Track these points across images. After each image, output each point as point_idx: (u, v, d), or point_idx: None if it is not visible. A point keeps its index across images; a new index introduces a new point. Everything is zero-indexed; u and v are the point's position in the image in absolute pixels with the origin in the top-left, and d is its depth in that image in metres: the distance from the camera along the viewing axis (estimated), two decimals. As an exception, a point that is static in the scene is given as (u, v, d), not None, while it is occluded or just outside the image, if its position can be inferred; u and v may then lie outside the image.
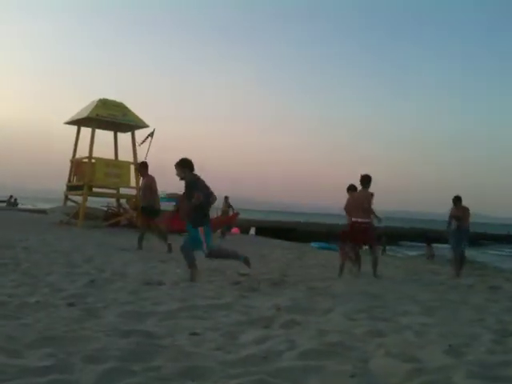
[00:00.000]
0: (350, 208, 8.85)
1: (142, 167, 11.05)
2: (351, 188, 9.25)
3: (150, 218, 10.67)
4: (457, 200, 10.25)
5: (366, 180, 8.71)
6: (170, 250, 9.94)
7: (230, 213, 19.94)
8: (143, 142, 18.72)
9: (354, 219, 8.67)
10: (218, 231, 19.73)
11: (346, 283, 7.55)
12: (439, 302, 6.24)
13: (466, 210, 10.28)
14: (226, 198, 20.29)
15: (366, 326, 4.44)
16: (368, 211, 8.58)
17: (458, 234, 10.22)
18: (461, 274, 10.05)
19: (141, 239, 10.44)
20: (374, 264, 8.56)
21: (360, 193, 8.82)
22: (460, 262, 10.23)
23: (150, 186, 10.64)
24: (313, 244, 19.49)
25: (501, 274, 12.82)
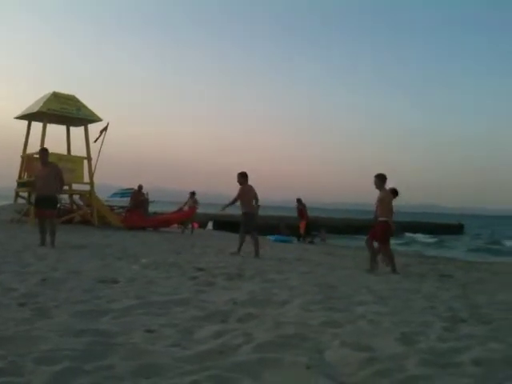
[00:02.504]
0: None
1: (46, 155, 10.18)
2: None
3: (44, 210, 9.95)
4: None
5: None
6: (42, 243, 9.71)
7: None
8: (97, 138, 18.36)
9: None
10: (176, 226, 19.52)
11: (303, 275, 7.64)
12: (392, 292, 6.40)
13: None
14: (193, 193, 19.11)
15: (322, 317, 4.51)
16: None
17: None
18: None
19: (52, 233, 9.75)
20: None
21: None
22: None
23: (60, 175, 10.02)
24: (269, 237, 19.61)
25: (452, 262, 13.23)
